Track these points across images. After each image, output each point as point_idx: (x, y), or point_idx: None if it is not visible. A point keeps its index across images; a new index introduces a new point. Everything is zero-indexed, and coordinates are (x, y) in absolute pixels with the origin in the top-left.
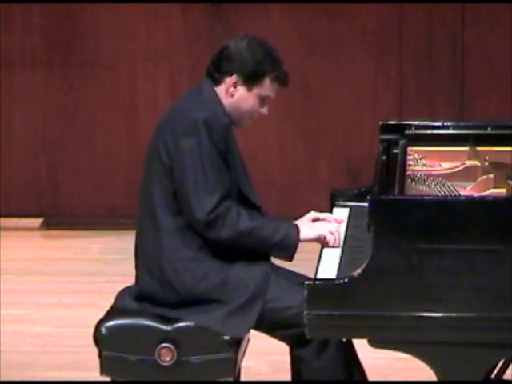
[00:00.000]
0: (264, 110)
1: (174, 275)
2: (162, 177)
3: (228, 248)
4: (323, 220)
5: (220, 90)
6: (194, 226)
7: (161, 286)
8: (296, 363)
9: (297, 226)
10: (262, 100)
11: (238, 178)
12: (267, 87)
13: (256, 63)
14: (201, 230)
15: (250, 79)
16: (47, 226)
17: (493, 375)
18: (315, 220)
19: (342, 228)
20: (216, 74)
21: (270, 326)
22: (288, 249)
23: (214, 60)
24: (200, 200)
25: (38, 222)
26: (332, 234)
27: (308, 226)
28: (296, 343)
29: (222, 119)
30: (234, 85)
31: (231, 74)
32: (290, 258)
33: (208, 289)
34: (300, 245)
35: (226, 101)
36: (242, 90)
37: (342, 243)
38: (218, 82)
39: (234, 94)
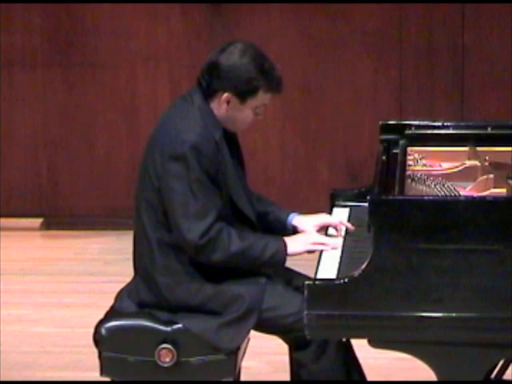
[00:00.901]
0: (259, 116)
1: (167, 290)
2: (151, 195)
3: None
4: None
5: (213, 103)
6: (185, 249)
7: (157, 298)
8: (295, 366)
9: (284, 242)
10: (256, 108)
11: (231, 193)
12: (261, 98)
13: (248, 80)
14: (191, 253)
15: (243, 95)
16: (47, 225)
17: (493, 375)
18: (322, 227)
19: (342, 228)
20: (207, 89)
21: (269, 332)
22: (277, 264)
23: (203, 75)
24: (190, 224)
25: (37, 222)
26: (317, 243)
27: (294, 241)
28: (295, 346)
29: (212, 136)
30: (227, 102)
31: (223, 91)
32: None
33: (203, 301)
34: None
35: (219, 114)
36: (235, 105)
37: (340, 245)
38: (210, 97)
39: (227, 110)
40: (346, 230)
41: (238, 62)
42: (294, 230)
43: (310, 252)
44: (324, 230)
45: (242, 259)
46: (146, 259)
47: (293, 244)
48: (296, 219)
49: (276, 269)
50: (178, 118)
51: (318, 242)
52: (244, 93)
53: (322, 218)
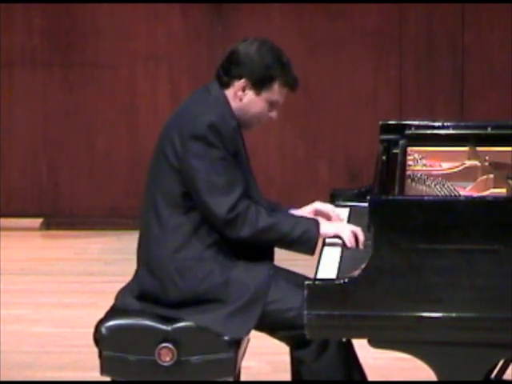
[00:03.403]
0: (273, 114)
1: (176, 274)
2: (168, 177)
3: (231, 249)
4: (325, 213)
5: (229, 93)
6: (213, 225)
7: (162, 285)
8: (296, 365)
9: (317, 221)
10: (271, 104)
11: (246, 180)
12: (276, 92)
13: (265, 68)
14: (220, 228)
15: (259, 83)
16: (47, 226)
17: (493, 375)
18: (317, 212)
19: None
20: (225, 77)
21: (271, 327)
22: (308, 242)
23: (223, 63)
24: (218, 200)
25: (37, 221)
26: (351, 233)
27: (329, 223)
28: (296, 345)
29: (229, 122)
30: (243, 89)
31: (240, 78)
32: (311, 252)
33: (209, 288)
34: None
35: (235, 104)
36: (250, 94)
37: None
38: (226, 86)
39: (242, 98)
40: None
41: (257, 50)
42: None
43: (337, 236)
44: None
45: (272, 234)
46: (156, 245)
47: (326, 225)
48: (292, 212)
49: (308, 248)
50: (195, 105)
51: (353, 231)
52: (260, 81)
53: (313, 204)
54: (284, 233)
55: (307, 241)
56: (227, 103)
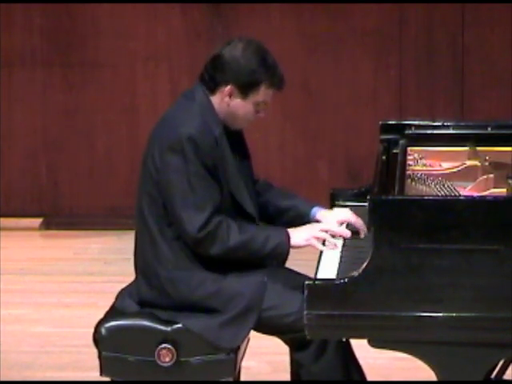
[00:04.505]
0: (261, 114)
1: (169, 284)
2: (151, 189)
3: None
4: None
5: (215, 98)
6: (186, 241)
7: (159, 294)
8: (295, 367)
9: (287, 233)
10: (258, 105)
11: (231, 188)
12: (262, 94)
13: (251, 72)
14: (191, 245)
15: (246, 88)
16: (47, 225)
17: (493, 375)
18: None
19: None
20: (210, 83)
21: (270, 332)
22: (279, 256)
23: (207, 68)
24: (189, 217)
25: (37, 221)
26: (319, 238)
27: (298, 233)
28: (295, 347)
29: (211, 131)
30: (229, 95)
31: (226, 84)
32: (282, 265)
33: (203, 297)
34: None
35: (221, 109)
36: (237, 99)
37: (340, 245)
38: (212, 91)
39: (229, 103)
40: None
41: (241, 54)
42: None
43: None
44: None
45: (243, 252)
46: (148, 254)
47: (296, 236)
48: (319, 214)
49: (279, 261)
50: (178, 113)
51: (320, 236)
52: (246, 85)
53: (344, 214)
54: (255, 250)
55: (278, 255)
56: (212, 109)
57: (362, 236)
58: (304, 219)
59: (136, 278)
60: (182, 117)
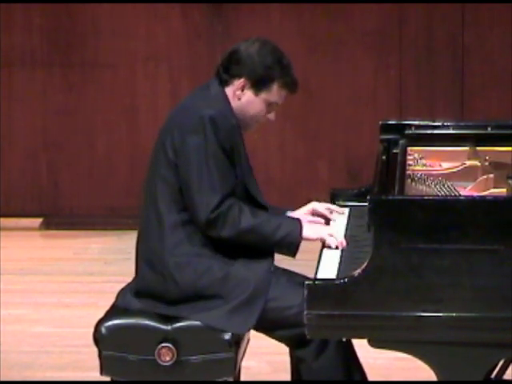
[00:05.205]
0: (271, 116)
1: (176, 269)
2: (167, 172)
3: (231, 244)
4: (322, 214)
5: (228, 91)
6: (196, 223)
7: (162, 280)
8: (296, 364)
9: (300, 224)
10: (269, 105)
11: (244, 178)
12: (275, 93)
13: (265, 68)
14: (202, 228)
15: (258, 83)
16: (47, 225)
17: (493, 375)
18: (314, 213)
19: (342, 228)
20: (224, 75)
21: (271, 325)
22: (291, 245)
23: (223, 61)
24: (203, 198)
25: (37, 221)
26: (332, 236)
27: (311, 227)
28: (296, 344)
29: (229, 118)
30: (242, 88)
31: (240, 77)
32: (292, 255)
33: (209, 284)
34: (300, 244)
35: (233, 103)
36: (249, 94)
37: (344, 245)
38: (226, 84)
39: (241, 97)
40: (346, 230)
41: (258, 51)
42: None
43: (321, 240)
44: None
45: (254, 236)
46: (156, 240)
47: (309, 228)
48: (288, 214)
49: (289, 251)
50: (197, 101)
51: (331, 234)
52: (259, 81)
53: (310, 205)
54: (266, 235)
55: (289, 244)
56: (227, 101)
57: (333, 218)
58: None
59: (137, 269)
60: (200, 102)
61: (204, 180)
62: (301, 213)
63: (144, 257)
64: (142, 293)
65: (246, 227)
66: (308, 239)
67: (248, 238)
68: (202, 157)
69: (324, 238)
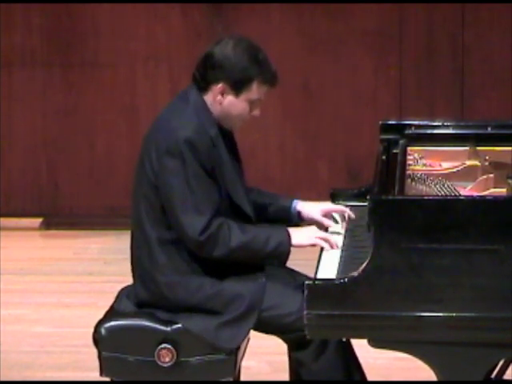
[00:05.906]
0: (255, 112)
1: (167, 289)
2: (148, 192)
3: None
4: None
5: (207, 97)
6: (185, 244)
7: (156, 298)
8: (294, 366)
9: (288, 233)
10: (252, 103)
11: (229, 189)
12: (255, 91)
13: (242, 69)
14: (193, 249)
15: (238, 86)
16: (47, 225)
17: (493, 375)
18: (327, 214)
19: (342, 228)
20: (202, 82)
21: (270, 332)
22: (281, 256)
23: (198, 67)
24: (190, 220)
25: (37, 221)
26: (322, 238)
27: (299, 233)
28: (294, 346)
29: (207, 132)
30: (222, 93)
31: (218, 82)
32: (283, 264)
33: (202, 300)
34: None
35: (215, 109)
36: (229, 98)
37: (340, 244)
38: (204, 90)
39: (222, 102)
40: (346, 230)
41: (232, 52)
42: (299, 216)
43: (313, 245)
44: (329, 216)
45: (245, 253)
46: (145, 259)
47: (298, 235)
48: (300, 205)
49: (280, 261)
50: (173, 116)
51: (323, 237)
52: (238, 83)
53: (325, 205)
54: (257, 249)
55: (280, 254)
56: (206, 109)
57: (353, 216)
58: (285, 212)
59: (134, 282)
60: (177, 120)
61: (188, 202)
62: (314, 208)
63: (137, 274)
64: (138, 304)
65: (236, 245)
66: (300, 246)
67: (239, 254)
68: (182, 179)
69: (314, 242)
